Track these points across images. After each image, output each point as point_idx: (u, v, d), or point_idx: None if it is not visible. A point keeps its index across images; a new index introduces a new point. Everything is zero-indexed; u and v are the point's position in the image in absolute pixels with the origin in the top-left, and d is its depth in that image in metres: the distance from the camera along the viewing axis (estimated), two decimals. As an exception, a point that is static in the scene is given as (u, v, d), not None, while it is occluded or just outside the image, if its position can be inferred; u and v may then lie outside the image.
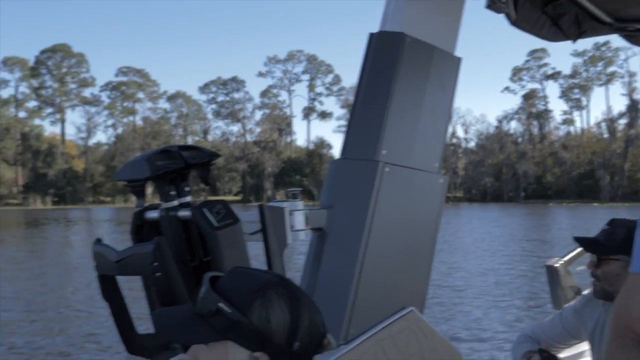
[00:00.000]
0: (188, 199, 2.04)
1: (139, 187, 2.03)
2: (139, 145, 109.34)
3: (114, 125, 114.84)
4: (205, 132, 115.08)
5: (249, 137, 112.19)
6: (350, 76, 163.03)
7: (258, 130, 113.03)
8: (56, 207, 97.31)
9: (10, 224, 59.26)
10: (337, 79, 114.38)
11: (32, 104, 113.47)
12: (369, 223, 2.47)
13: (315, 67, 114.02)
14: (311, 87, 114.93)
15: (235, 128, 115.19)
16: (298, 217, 2.37)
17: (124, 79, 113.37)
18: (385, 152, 2.56)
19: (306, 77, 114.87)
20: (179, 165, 1.97)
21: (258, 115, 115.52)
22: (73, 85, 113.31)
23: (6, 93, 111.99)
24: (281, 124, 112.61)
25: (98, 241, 2.09)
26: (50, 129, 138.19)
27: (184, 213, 1.99)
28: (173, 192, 2.01)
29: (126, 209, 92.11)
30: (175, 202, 2.01)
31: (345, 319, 2.40)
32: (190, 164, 1.99)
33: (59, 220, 62.60)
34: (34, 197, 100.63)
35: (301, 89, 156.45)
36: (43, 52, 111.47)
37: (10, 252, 31.49)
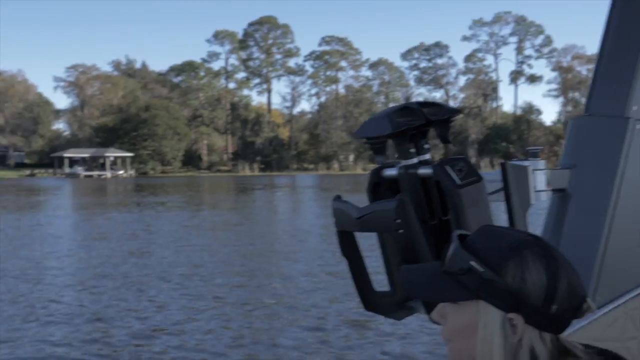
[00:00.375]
0: (427, 156, 2.00)
1: (379, 144, 2.00)
2: (341, 114, 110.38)
3: (317, 94, 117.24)
4: (407, 99, 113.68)
5: (453, 103, 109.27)
6: (563, 37, 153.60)
7: (462, 96, 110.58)
8: (262, 173, 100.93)
9: (221, 189, 62.11)
10: (547, 40, 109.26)
11: (240, 75, 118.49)
12: (617, 185, 2.32)
13: (524, 28, 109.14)
14: (519, 50, 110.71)
15: (438, 94, 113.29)
16: (539, 177, 2.28)
17: (327, 48, 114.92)
18: (637, 107, 2.37)
19: (514, 39, 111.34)
20: (419, 121, 1.93)
21: (462, 80, 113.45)
22: (278, 56, 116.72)
23: (217, 65, 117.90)
24: (486, 89, 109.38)
25: (337, 198, 2.05)
26: (257, 99, 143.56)
27: (424, 171, 1.96)
28: (412, 150, 1.98)
29: (329, 175, 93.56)
30: (415, 160, 1.98)
31: (591, 285, 2.28)
32: (430, 121, 1.95)
33: (266, 186, 64.67)
34: (243, 164, 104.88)
35: (508, 52, 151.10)
36: (251, 24, 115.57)
37: (223, 215, 32.61)
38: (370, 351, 8.97)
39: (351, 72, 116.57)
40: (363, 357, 8.77)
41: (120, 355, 8.93)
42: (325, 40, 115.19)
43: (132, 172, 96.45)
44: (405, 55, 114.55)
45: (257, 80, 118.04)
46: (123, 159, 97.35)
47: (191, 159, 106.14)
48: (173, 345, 9.36)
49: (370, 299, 2.02)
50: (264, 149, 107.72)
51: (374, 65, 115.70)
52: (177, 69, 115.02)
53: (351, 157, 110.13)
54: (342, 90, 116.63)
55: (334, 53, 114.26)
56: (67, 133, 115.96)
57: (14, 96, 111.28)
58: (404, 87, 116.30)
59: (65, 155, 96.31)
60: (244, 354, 8.99)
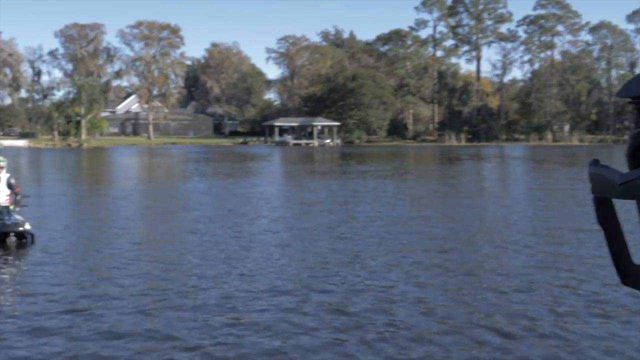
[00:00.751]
0: None
1: None
2: (557, 81, 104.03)
3: (530, 61, 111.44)
4: (633, 65, 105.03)
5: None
6: None
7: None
8: (469, 144, 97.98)
9: (428, 158, 60.97)
10: None
11: (448, 42, 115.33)
12: None
13: None
14: None
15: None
16: None
17: (542, 12, 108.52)
18: None
19: None
20: None
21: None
22: (489, 22, 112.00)
23: (425, 33, 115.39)
24: None
25: (595, 162, 2.03)
26: (465, 67, 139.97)
27: None
28: None
29: (540, 146, 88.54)
30: None
31: None
32: None
33: (474, 156, 62.62)
34: (449, 134, 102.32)
35: None
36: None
37: (433, 185, 31.91)
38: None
39: (568, 37, 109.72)
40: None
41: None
42: (540, 4, 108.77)
43: (338, 141, 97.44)
44: (632, 17, 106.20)
45: (465, 48, 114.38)
46: (330, 127, 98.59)
47: (397, 129, 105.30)
48: (382, 303, 9.33)
49: (628, 272, 1.79)
50: (472, 119, 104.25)
51: (594, 29, 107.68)
52: (384, 38, 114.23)
53: (566, 128, 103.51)
54: (557, 57, 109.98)
55: (549, 17, 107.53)
56: (277, 102, 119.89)
57: (229, 67, 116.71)
58: (629, 52, 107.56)
59: (276, 124, 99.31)
60: (458, 326, 8.44)
